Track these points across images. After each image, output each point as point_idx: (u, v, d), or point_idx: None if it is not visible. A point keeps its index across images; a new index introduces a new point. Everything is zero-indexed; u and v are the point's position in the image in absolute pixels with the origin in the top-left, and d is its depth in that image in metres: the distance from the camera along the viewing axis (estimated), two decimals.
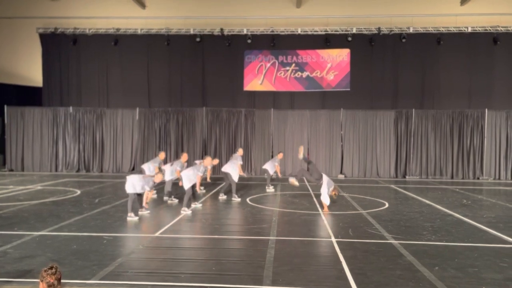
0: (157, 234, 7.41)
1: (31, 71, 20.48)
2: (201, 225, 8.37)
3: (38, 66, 20.25)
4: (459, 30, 18.58)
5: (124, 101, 19.73)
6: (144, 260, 5.92)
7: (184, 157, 11.42)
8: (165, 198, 11.12)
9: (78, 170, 18.53)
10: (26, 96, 20.10)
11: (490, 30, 18.41)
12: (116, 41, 19.47)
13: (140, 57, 19.79)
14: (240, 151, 12.99)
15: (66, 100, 19.97)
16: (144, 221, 8.46)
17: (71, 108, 18.88)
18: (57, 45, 19.90)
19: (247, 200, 11.31)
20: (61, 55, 20.03)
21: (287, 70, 19.43)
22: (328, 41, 18.94)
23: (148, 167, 11.46)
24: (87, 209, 9.60)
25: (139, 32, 19.60)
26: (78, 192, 12.32)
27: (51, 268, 3.35)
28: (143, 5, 19.88)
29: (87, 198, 11.21)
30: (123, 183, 9.06)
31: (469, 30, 18.50)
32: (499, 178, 17.58)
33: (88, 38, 19.77)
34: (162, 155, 12.36)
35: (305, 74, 19.36)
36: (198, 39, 19.18)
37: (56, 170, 18.53)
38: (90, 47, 19.85)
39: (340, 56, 19.27)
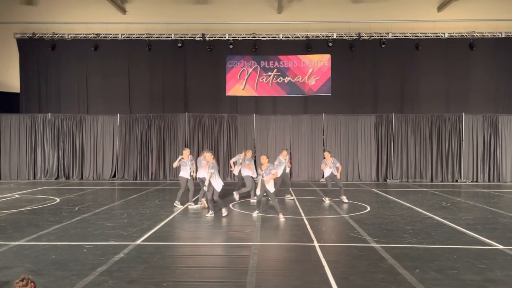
0: (138, 241, 7.32)
1: (8, 77, 20.05)
2: (183, 232, 8.30)
3: (16, 71, 19.86)
4: (437, 36, 19.01)
5: (104, 107, 19.51)
6: (126, 268, 5.82)
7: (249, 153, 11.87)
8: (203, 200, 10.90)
9: (57, 178, 18.18)
10: (3, 102, 19.64)
11: (466, 36, 18.88)
12: (96, 46, 19.27)
13: (121, 63, 19.62)
14: (283, 154, 12.33)
15: (45, 107, 19.64)
16: (126, 228, 8.34)
17: (49, 114, 18.55)
18: (35, 51, 19.58)
19: (230, 205, 11.28)
20: (39, 60, 19.70)
21: (269, 75, 19.52)
22: (309, 46, 19.13)
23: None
24: (67, 217, 9.42)
25: (119, 37, 19.43)
26: (57, 200, 12.08)
27: (23, 280, 3.26)
28: (123, 10, 19.72)
29: (66, 206, 11.00)
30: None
31: (446, 36, 18.95)
32: (476, 181, 17.98)
33: (68, 43, 19.50)
34: (186, 152, 11.20)
35: (287, 79, 19.49)
36: (179, 45, 19.14)
37: (35, 178, 18.15)
38: (70, 53, 19.58)
39: (321, 61, 19.46)
